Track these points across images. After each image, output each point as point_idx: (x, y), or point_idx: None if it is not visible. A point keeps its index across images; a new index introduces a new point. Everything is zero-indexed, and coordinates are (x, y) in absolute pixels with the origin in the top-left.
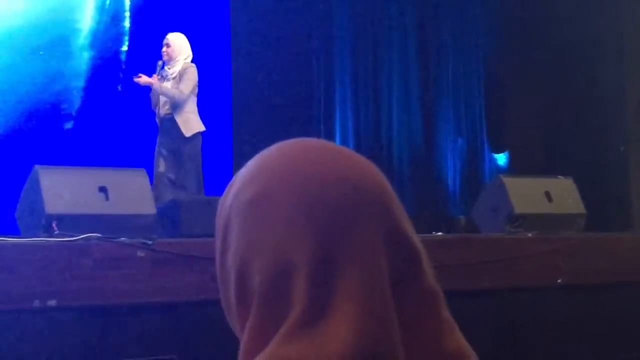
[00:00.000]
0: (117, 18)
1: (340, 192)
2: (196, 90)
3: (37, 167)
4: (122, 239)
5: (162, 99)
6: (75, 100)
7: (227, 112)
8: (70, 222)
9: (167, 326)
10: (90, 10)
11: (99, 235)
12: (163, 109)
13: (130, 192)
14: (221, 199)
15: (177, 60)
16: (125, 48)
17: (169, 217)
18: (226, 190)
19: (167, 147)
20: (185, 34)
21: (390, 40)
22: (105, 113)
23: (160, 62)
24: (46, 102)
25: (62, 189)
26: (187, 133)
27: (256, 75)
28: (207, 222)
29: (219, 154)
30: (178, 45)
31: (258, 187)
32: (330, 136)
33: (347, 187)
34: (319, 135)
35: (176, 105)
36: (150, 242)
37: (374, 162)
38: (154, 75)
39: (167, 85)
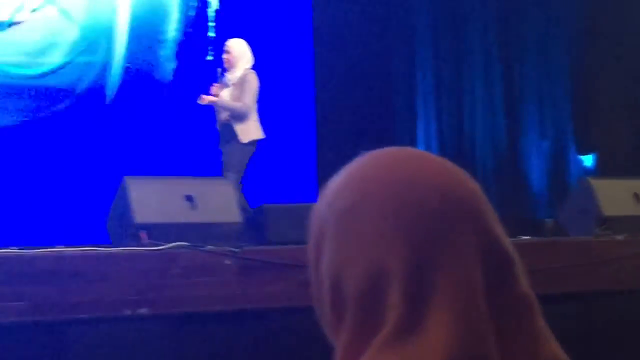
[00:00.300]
0: (201, 28)
1: (433, 199)
2: (257, 97)
3: (126, 178)
4: (209, 247)
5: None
6: (161, 111)
7: (311, 118)
8: (159, 231)
9: (254, 333)
10: (174, 21)
11: (186, 244)
12: (222, 116)
13: (216, 200)
14: (313, 207)
15: (238, 67)
16: (210, 58)
17: (256, 225)
18: (318, 198)
19: (224, 152)
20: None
21: (472, 40)
22: (191, 123)
23: (219, 69)
24: (132, 113)
25: (150, 198)
26: (244, 139)
27: (338, 82)
28: (293, 230)
29: (302, 161)
30: (238, 51)
31: (351, 196)
32: (412, 140)
33: (439, 194)
34: (402, 140)
35: (237, 115)
36: (237, 250)
37: (458, 165)
38: (215, 84)
39: (227, 93)
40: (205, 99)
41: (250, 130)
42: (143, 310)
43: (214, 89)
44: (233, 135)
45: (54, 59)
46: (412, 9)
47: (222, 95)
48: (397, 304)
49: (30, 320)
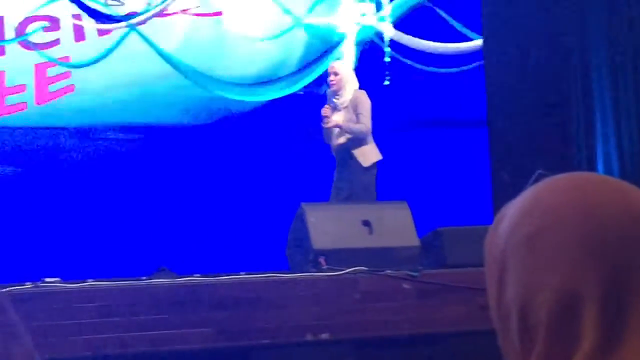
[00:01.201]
0: (377, 54)
1: (625, 222)
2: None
3: (303, 204)
4: (388, 271)
5: (335, 130)
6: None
7: (484, 139)
8: (337, 256)
9: (434, 357)
10: (349, 44)
11: (365, 268)
12: (337, 140)
13: (393, 224)
14: (490, 233)
15: (346, 89)
16: (387, 83)
17: (432, 248)
18: (494, 223)
19: (344, 178)
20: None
21: None
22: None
23: (329, 91)
24: (308, 140)
25: (328, 224)
26: (365, 163)
27: (512, 103)
28: (470, 252)
29: (476, 182)
30: (346, 73)
31: (537, 221)
32: (591, 162)
33: (630, 217)
34: (579, 162)
35: (359, 137)
36: (415, 274)
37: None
38: (326, 106)
39: (340, 116)
40: (332, 122)
41: (371, 153)
42: (324, 335)
43: (325, 111)
44: (353, 160)
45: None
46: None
47: (336, 120)
48: (592, 330)
49: (214, 346)
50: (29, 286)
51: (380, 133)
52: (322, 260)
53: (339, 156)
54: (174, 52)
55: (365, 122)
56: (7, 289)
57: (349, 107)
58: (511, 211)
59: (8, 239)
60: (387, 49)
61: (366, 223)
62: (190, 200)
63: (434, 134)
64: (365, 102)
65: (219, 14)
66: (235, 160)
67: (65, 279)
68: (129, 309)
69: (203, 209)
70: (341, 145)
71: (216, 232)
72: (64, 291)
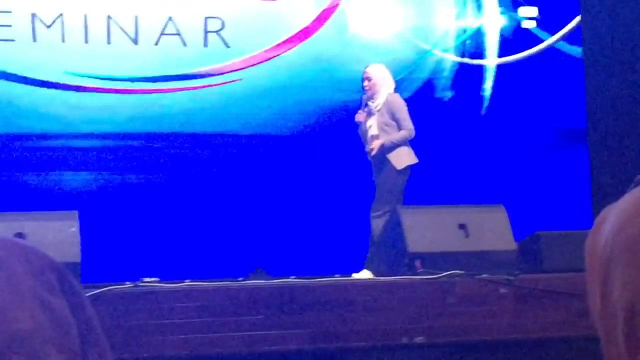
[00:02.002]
0: (477, 56)
1: None
2: None
3: (398, 207)
4: (484, 275)
5: (369, 135)
6: (431, 138)
7: (583, 141)
8: (433, 260)
9: None
10: (450, 49)
11: (461, 272)
12: (372, 144)
13: (489, 228)
14: (591, 235)
15: (380, 93)
16: (488, 88)
17: (530, 252)
18: (595, 226)
19: (378, 182)
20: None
21: None
22: (463, 149)
23: (364, 97)
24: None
25: (424, 227)
26: (399, 166)
27: (612, 103)
28: (568, 257)
29: (574, 185)
30: (380, 77)
31: None
32: None
33: None
34: None
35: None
36: (512, 279)
37: None
38: (360, 111)
39: (374, 121)
40: (376, 148)
41: (404, 156)
42: (419, 339)
43: (360, 116)
44: (386, 164)
45: None
46: None
47: (369, 124)
48: None
49: (310, 348)
50: (129, 286)
51: (480, 135)
52: (417, 263)
53: (375, 162)
54: None
55: (408, 126)
56: (108, 288)
57: (382, 111)
58: (614, 214)
59: (108, 240)
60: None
61: (462, 226)
62: (287, 203)
63: (533, 137)
64: (402, 106)
65: None
66: (328, 163)
67: (163, 279)
68: (226, 309)
69: (299, 211)
70: (379, 151)
71: (311, 234)
72: (163, 291)
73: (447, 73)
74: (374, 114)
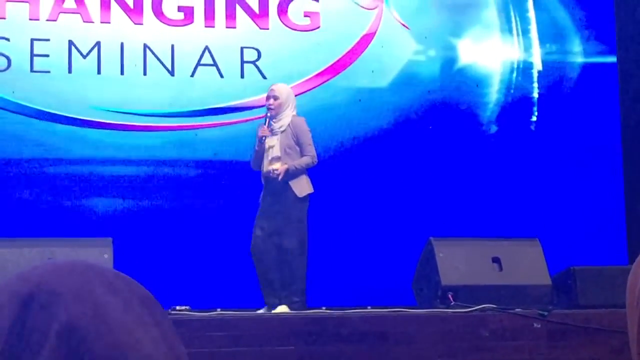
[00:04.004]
0: (524, 90)
1: None
2: None
3: (432, 239)
4: (517, 310)
5: (268, 156)
6: (479, 172)
7: (619, 174)
8: (466, 293)
9: None
10: (496, 83)
11: (494, 306)
12: (270, 167)
13: (523, 262)
14: (632, 273)
15: (285, 113)
16: (534, 119)
17: (564, 287)
18: (636, 264)
19: (274, 209)
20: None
21: None
22: (512, 183)
23: (269, 115)
24: (437, 173)
25: (457, 260)
26: (300, 194)
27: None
28: (603, 292)
29: (609, 220)
30: (286, 97)
31: None
32: None
33: None
34: None
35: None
36: (546, 314)
37: None
38: (263, 127)
39: (275, 140)
40: (282, 172)
41: (304, 185)
42: None
43: (264, 131)
44: (287, 190)
45: None
46: None
47: (271, 144)
48: None
49: None
50: None
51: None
52: (450, 296)
53: (270, 184)
54: None
55: (311, 152)
56: None
57: (287, 132)
58: None
59: (140, 267)
60: (535, 84)
61: (496, 260)
62: (318, 232)
63: (566, 169)
64: (307, 132)
65: None
66: (361, 191)
67: (194, 308)
68: (257, 339)
69: (330, 241)
70: (273, 174)
71: (343, 265)
72: (194, 319)
73: (492, 106)
74: (276, 134)
